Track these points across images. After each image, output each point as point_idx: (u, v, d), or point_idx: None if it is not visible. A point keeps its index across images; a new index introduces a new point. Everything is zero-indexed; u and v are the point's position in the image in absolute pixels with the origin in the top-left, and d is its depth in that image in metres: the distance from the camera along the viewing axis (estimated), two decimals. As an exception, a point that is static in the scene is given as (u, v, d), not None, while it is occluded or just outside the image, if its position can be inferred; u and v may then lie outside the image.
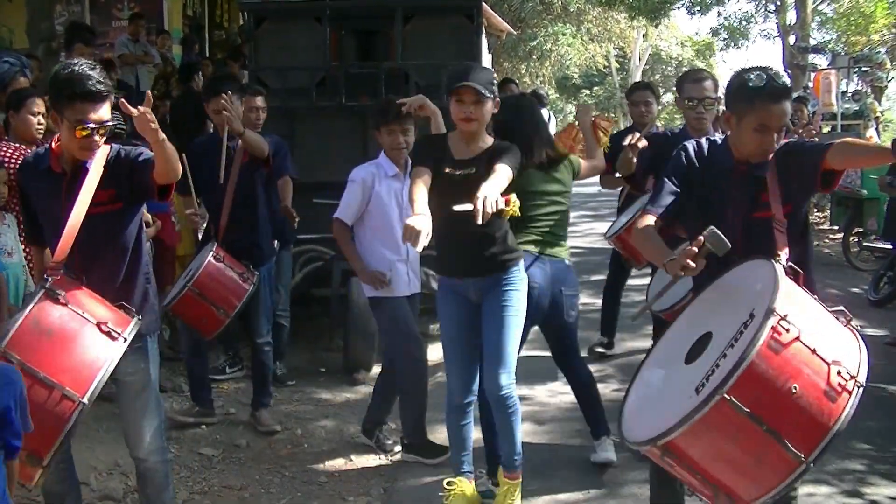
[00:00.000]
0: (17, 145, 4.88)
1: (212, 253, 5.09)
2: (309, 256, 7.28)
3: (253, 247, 5.42)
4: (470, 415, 4.27)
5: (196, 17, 14.91)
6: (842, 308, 2.84)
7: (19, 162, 4.81)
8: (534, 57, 27.51)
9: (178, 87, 10.80)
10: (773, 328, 2.51)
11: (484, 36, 8.14)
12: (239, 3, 9.01)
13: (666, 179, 3.32)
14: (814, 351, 2.56)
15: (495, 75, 4.19)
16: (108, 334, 3.10)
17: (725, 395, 2.46)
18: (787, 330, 2.53)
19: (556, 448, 5.12)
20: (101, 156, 3.38)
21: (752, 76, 3.08)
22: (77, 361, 3.04)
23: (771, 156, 3.14)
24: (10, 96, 5.27)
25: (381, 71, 7.38)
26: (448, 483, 4.25)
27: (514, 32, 21.95)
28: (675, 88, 5.04)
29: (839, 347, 2.64)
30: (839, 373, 2.55)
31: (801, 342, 2.55)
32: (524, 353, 4.45)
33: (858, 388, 2.56)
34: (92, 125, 3.25)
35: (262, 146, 5.35)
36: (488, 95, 3.87)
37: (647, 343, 6.69)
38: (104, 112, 3.30)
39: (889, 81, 18.53)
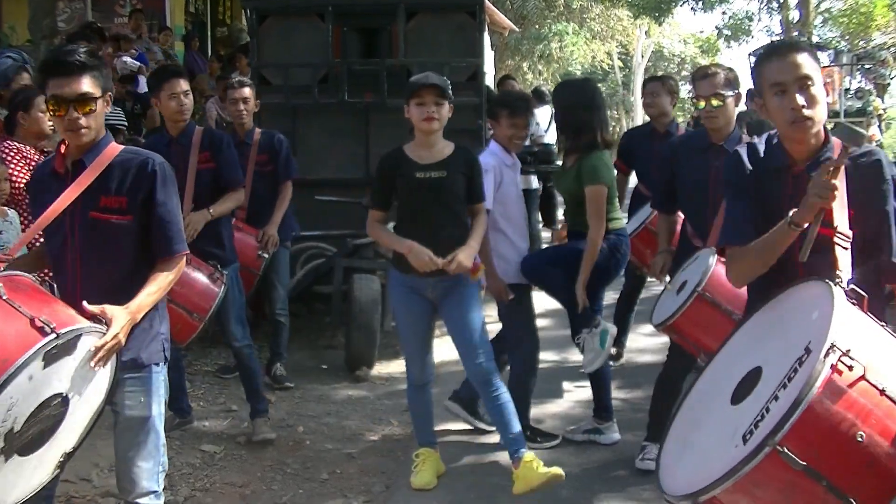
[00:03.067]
0: (20, 147, 4.89)
1: None
2: (311, 253, 7.28)
3: (216, 250, 5.04)
4: (428, 392, 4.66)
5: (198, 14, 14.92)
6: None
7: (21, 159, 4.86)
8: (536, 54, 27.48)
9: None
10: (832, 366, 2.14)
11: (486, 33, 8.13)
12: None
13: (733, 201, 2.96)
14: (882, 391, 2.17)
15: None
16: (40, 329, 2.61)
17: (778, 447, 2.11)
18: (851, 368, 2.15)
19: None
20: (106, 152, 3.08)
21: (756, 51, 2.93)
22: None
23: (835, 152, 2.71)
24: (18, 96, 5.28)
25: (384, 68, 7.38)
26: (416, 454, 4.62)
27: (517, 30, 21.94)
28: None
29: None
30: None
31: (868, 381, 2.17)
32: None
33: None
34: (65, 98, 2.94)
35: (237, 204, 5.31)
36: (448, 96, 4.19)
37: (655, 347, 6.72)
38: (84, 85, 2.96)
39: (892, 79, 18.49)
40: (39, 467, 2.78)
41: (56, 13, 9.61)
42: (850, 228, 2.62)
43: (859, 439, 2.13)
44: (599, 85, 32.26)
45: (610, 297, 8.07)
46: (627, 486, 4.56)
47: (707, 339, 3.96)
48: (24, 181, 4.67)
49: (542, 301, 5.79)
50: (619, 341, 6.73)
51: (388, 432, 5.53)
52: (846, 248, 2.58)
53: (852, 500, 2.13)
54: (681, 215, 4.85)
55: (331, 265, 7.03)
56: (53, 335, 2.62)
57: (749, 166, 2.90)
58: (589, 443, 5.07)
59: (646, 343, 6.96)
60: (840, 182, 2.55)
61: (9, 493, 2.70)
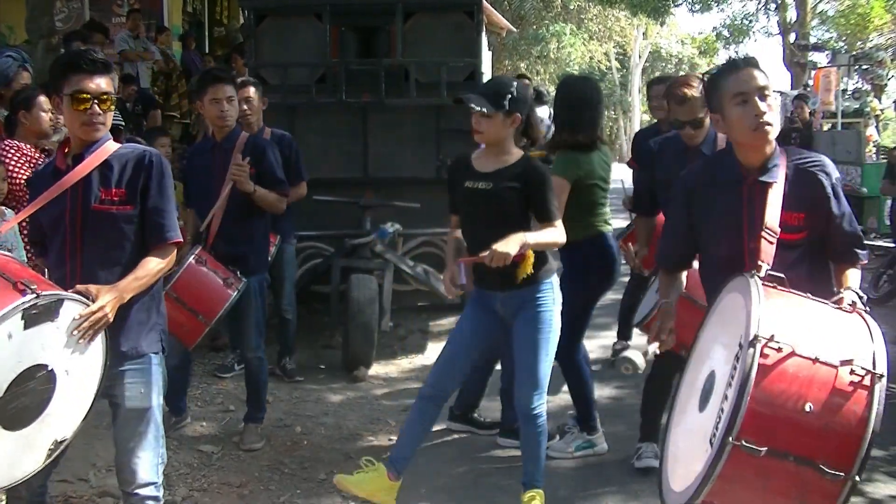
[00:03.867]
0: (20, 146, 4.92)
1: (193, 255, 4.72)
2: (309, 253, 7.28)
3: (249, 253, 5.06)
4: (432, 412, 4.24)
5: (196, 14, 14.92)
6: (849, 291, 2.74)
7: (21, 157, 4.88)
8: (534, 55, 27.52)
9: (183, 85, 10.84)
10: (762, 353, 2.34)
11: (484, 33, 8.13)
12: (239, -1, 9.01)
13: (668, 230, 3.36)
14: (815, 360, 2.36)
15: (525, 83, 4.23)
16: (22, 291, 2.69)
17: (735, 442, 2.28)
18: (779, 349, 2.36)
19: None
20: (106, 147, 3.18)
21: (716, 68, 3.12)
22: None
23: (777, 154, 3.01)
24: (20, 96, 5.30)
25: (382, 68, 7.37)
26: (367, 461, 4.26)
27: (515, 30, 21.96)
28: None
29: (846, 344, 2.44)
30: (852, 371, 2.35)
31: (799, 356, 2.36)
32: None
33: (879, 379, 2.35)
34: (90, 94, 3.08)
35: (277, 205, 5.19)
36: (486, 113, 3.89)
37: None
38: (103, 83, 3.12)
39: (889, 80, 18.52)
40: (29, 451, 2.82)
41: (54, 13, 9.60)
42: (800, 229, 2.96)
43: (808, 409, 2.31)
44: (597, 85, 32.14)
45: (610, 296, 8.10)
46: (625, 485, 4.56)
47: (685, 335, 3.99)
48: (24, 178, 4.69)
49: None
50: (625, 336, 6.78)
51: (386, 432, 5.52)
52: (771, 242, 2.86)
53: (822, 466, 2.28)
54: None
55: (328, 265, 7.02)
56: (33, 295, 2.70)
57: (696, 186, 3.18)
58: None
59: (641, 342, 6.95)
60: (778, 189, 2.92)
61: (3, 472, 2.74)
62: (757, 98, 2.90)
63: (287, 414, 5.81)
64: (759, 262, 2.80)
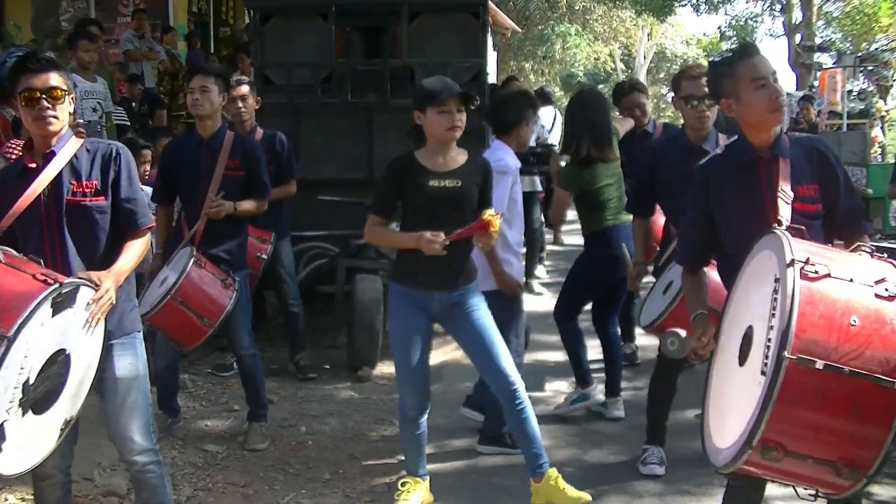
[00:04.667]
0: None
1: (193, 259, 4.70)
2: (313, 253, 7.28)
3: (229, 255, 5.01)
4: (423, 424, 4.31)
5: (201, 14, 14.93)
6: (862, 245, 2.86)
7: None
8: (539, 55, 27.50)
9: (187, 85, 10.81)
10: (801, 274, 2.43)
11: (489, 34, 8.13)
12: (245, -1, 9.02)
13: (688, 223, 3.40)
14: (851, 280, 2.48)
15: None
16: (44, 281, 2.89)
17: (791, 356, 2.33)
18: (816, 271, 2.46)
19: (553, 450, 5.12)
20: (72, 143, 3.32)
21: (717, 59, 3.25)
22: (4, 301, 2.80)
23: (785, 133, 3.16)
24: None
25: (387, 68, 7.38)
26: (402, 483, 4.33)
27: (520, 31, 21.96)
28: (671, 87, 4.92)
29: (875, 269, 2.56)
30: (887, 288, 2.46)
31: (835, 277, 2.47)
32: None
33: None
34: (37, 89, 3.18)
35: (257, 212, 5.21)
36: (474, 104, 4.06)
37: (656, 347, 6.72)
38: (51, 79, 3.21)
39: (895, 80, 18.47)
40: (46, 433, 2.97)
41: (59, 12, 9.62)
42: (817, 200, 3.09)
43: (853, 323, 2.39)
44: (601, 86, 32.22)
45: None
46: (627, 485, 4.55)
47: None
48: None
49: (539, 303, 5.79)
50: (629, 337, 6.78)
51: (391, 432, 5.52)
52: (787, 203, 2.97)
53: (878, 375, 2.34)
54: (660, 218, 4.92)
55: (333, 265, 7.03)
56: (57, 284, 2.89)
57: (711, 177, 3.26)
58: (588, 431, 5.06)
59: (647, 343, 6.94)
60: (783, 169, 3.05)
61: (25, 457, 2.88)
62: (772, 81, 3.06)
63: (292, 414, 5.81)
64: (779, 218, 2.89)
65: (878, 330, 2.39)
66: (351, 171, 7.48)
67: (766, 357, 2.43)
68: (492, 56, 9.10)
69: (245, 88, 5.99)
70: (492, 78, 8.66)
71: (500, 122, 4.99)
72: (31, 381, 2.80)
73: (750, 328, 2.67)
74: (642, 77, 36.85)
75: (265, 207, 5.30)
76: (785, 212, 2.95)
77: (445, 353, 7.05)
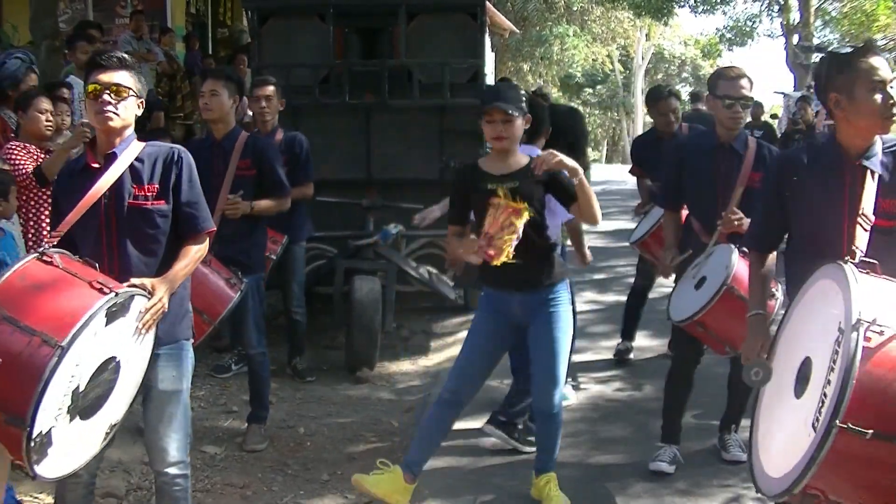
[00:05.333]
0: (27, 145, 5.01)
1: None
2: (312, 254, 7.28)
3: (243, 257, 5.03)
4: (449, 416, 4.29)
5: (199, 15, 14.92)
6: None
7: (24, 151, 4.93)
8: (537, 56, 27.51)
9: (187, 87, 10.84)
10: (865, 339, 2.36)
11: (487, 35, 8.13)
12: (243, 0, 9.01)
13: (762, 209, 3.33)
14: None
15: (522, 91, 4.29)
16: (100, 290, 2.89)
17: (842, 425, 2.30)
18: (881, 332, 2.37)
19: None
20: (134, 145, 3.33)
21: (839, 50, 3.04)
22: (60, 310, 2.82)
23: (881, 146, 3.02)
24: (18, 97, 5.34)
25: (385, 69, 7.38)
26: (381, 462, 4.30)
27: (518, 32, 21.95)
28: (707, 87, 4.93)
29: None
30: None
31: None
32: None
33: None
34: (101, 84, 3.21)
35: (277, 210, 5.23)
36: (516, 114, 3.97)
37: (658, 348, 6.74)
38: (118, 78, 3.25)
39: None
40: (92, 436, 2.98)
41: (57, 14, 9.60)
42: (894, 217, 2.97)
43: None
44: (600, 87, 32.29)
45: (613, 298, 8.10)
46: (627, 486, 4.55)
47: (729, 334, 4.14)
48: (30, 167, 4.78)
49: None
50: (630, 336, 6.79)
51: (389, 433, 5.53)
52: (866, 230, 2.86)
53: None
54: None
55: (332, 266, 7.03)
56: (112, 293, 2.89)
57: (794, 170, 3.14)
58: (593, 440, 5.07)
59: (647, 343, 6.96)
60: (870, 185, 2.91)
61: (68, 460, 2.90)
62: (890, 88, 2.92)
63: (290, 415, 5.81)
64: (854, 248, 2.80)
65: None
66: (349, 171, 7.48)
67: (819, 412, 2.40)
68: (490, 57, 9.08)
69: (271, 89, 5.99)
70: (490, 79, 8.65)
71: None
72: (81, 388, 2.81)
73: (808, 360, 2.63)
74: (640, 78, 36.91)
75: (287, 206, 5.31)
76: (861, 240, 2.85)
77: (445, 354, 7.06)
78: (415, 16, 7.56)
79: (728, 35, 28.36)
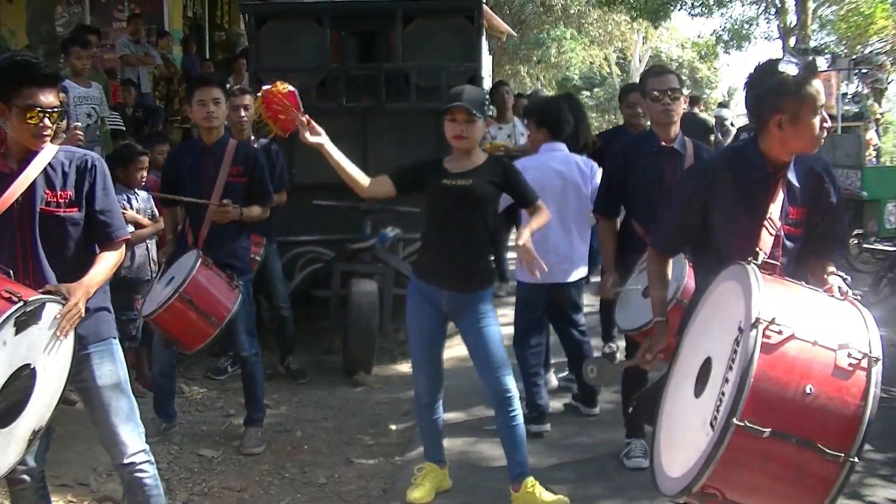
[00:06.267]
0: None
1: (200, 260, 4.76)
2: (309, 258, 7.28)
3: (232, 260, 5.06)
4: (439, 409, 4.48)
5: (196, 18, 14.92)
6: (834, 276, 2.81)
7: None
8: (534, 59, 27.53)
9: (184, 90, 10.83)
10: (764, 336, 2.37)
11: (484, 38, 8.14)
12: (240, 4, 9.01)
13: (675, 211, 3.29)
14: (815, 343, 2.40)
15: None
16: (8, 299, 2.82)
17: (739, 423, 2.31)
18: (780, 332, 2.39)
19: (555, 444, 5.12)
20: (48, 150, 3.26)
21: (786, 68, 2.95)
22: None
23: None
24: None
25: (382, 72, 7.38)
26: (419, 468, 4.51)
27: (515, 34, 21.98)
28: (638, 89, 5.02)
29: (842, 329, 2.48)
30: (850, 354, 2.39)
31: (799, 339, 2.40)
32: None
33: (875, 362, 2.39)
34: (42, 108, 3.15)
35: (261, 217, 5.27)
36: (478, 115, 4.12)
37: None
38: (52, 97, 3.20)
39: (889, 83, 18.51)
40: (13, 443, 2.94)
41: (54, 18, 9.61)
42: (801, 224, 3.02)
43: (808, 391, 2.34)
44: (597, 90, 32.33)
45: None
46: (625, 490, 4.55)
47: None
48: None
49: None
50: (610, 337, 6.74)
51: (386, 437, 5.53)
52: (771, 234, 2.92)
53: (822, 447, 2.32)
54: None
55: (329, 269, 7.03)
56: (21, 302, 2.84)
57: (717, 175, 3.12)
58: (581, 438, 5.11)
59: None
60: (779, 194, 2.97)
61: None
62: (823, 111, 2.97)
63: (287, 418, 5.81)
64: (757, 250, 2.83)
65: (832, 400, 2.36)
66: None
67: (717, 410, 2.41)
68: (487, 60, 9.08)
69: (248, 98, 6.02)
70: (487, 82, 8.66)
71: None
72: None
73: (709, 360, 2.64)
74: (637, 81, 36.87)
75: (267, 214, 5.35)
76: (766, 243, 2.91)
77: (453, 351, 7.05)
78: (412, 19, 7.56)
79: (725, 38, 28.37)
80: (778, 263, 2.78)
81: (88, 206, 3.31)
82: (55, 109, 3.22)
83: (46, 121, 3.18)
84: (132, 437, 3.41)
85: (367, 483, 4.83)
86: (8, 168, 3.24)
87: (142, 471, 3.45)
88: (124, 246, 3.46)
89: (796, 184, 3.02)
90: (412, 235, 7.16)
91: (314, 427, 5.67)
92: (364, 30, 7.89)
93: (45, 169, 3.25)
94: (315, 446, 5.36)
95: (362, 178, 4.16)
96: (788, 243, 3.00)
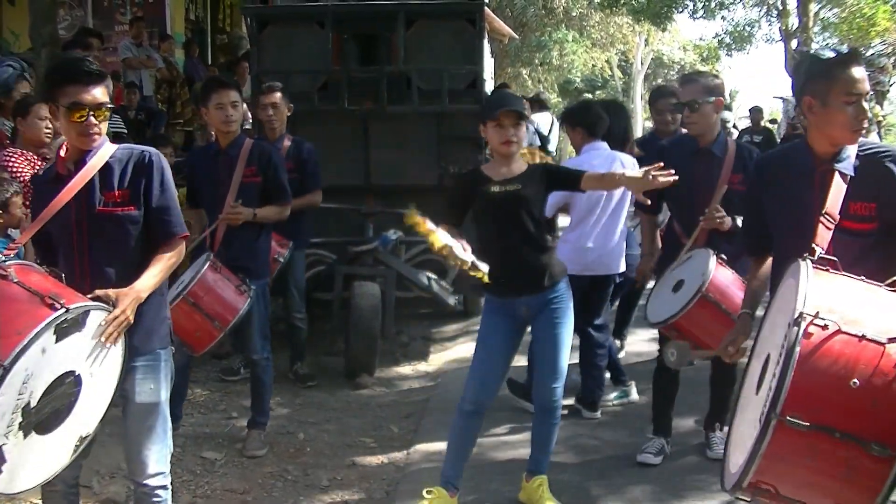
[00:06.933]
0: (24, 152, 4.99)
1: (209, 263, 4.74)
2: (311, 260, 7.28)
3: (248, 262, 5.03)
4: (474, 426, 4.30)
5: (199, 21, 14.94)
6: None
7: (22, 158, 4.92)
8: (536, 62, 27.51)
9: (186, 93, 10.87)
10: (805, 331, 2.35)
11: (486, 40, 8.14)
12: (242, 7, 9.03)
13: (746, 213, 3.38)
14: (862, 337, 2.35)
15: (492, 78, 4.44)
16: (50, 306, 2.81)
17: (780, 418, 2.29)
18: (824, 327, 2.36)
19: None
20: (105, 149, 3.24)
21: (821, 52, 2.96)
22: (5, 328, 2.76)
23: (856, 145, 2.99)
24: (17, 104, 5.34)
25: (383, 75, 7.39)
26: (427, 491, 4.26)
27: (517, 37, 21.97)
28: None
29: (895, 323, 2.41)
30: None
31: (845, 333, 2.36)
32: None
33: None
34: (86, 105, 3.14)
35: (279, 217, 5.22)
36: (527, 118, 4.15)
37: (652, 351, 6.74)
38: (99, 94, 3.17)
39: (891, 85, 18.52)
40: (58, 450, 2.94)
41: (57, 20, 9.63)
42: (871, 219, 2.95)
43: (853, 385, 2.29)
44: (599, 92, 32.35)
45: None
46: (627, 492, 4.55)
47: (706, 338, 4.16)
48: (28, 175, 4.77)
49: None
50: (621, 333, 6.86)
51: (389, 438, 5.53)
52: (829, 229, 2.88)
53: (870, 442, 2.27)
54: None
55: (331, 272, 7.04)
56: (63, 309, 2.81)
57: (770, 173, 3.17)
58: (584, 440, 5.10)
59: (641, 347, 6.95)
60: (836, 186, 2.91)
61: (31, 474, 2.87)
62: (864, 100, 2.91)
63: (290, 421, 5.81)
64: (814, 245, 2.81)
65: (880, 395, 2.30)
66: (348, 178, 7.48)
67: (765, 405, 2.40)
68: (489, 62, 9.09)
69: (278, 95, 6.01)
70: (489, 85, 8.66)
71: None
72: (33, 404, 2.77)
73: (769, 357, 2.63)
74: (639, 83, 36.90)
75: (287, 214, 5.29)
76: (823, 238, 2.86)
77: (444, 360, 7.07)
78: (413, 22, 7.57)
79: (727, 40, 28.38)
80: (836, 259, 2.69)
81: (146, 204, 3.26)
82: (103, 107, 3.19)
83: (92, 118, 3.15)
84: (156, 458, 3.37)
85: (369, 485, 4.83)
86: (66, 169, 3.24)
87: (156, 496, 3.40)
88: (183, 244, 3.39)
89: (853, 174, 2.95)
90: (414, 238, 7.17)
91: (317, 429, 5.67)
92: (366, 33, 7.90)
93: (102, 168, 3.22)
94: (317, 448, 5.36)
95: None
96: (849, 238, 2.92)
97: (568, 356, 4.29)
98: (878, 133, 16.77)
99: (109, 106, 3.24)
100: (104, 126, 3.23)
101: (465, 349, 6.93)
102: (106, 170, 3.23)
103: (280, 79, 7.44)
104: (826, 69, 2.90)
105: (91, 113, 3.15)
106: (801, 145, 3.08)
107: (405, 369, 7.05)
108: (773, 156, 3.33)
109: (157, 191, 3.27)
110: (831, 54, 2.91)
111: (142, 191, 3.25)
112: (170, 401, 5.19)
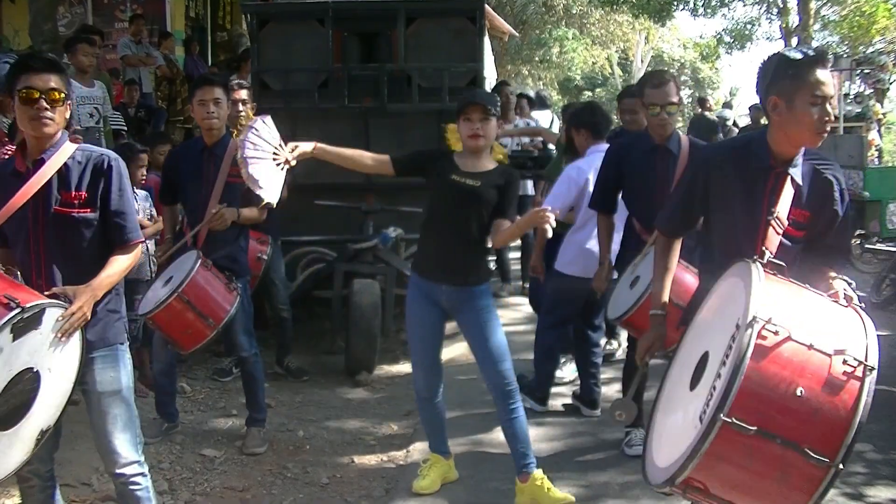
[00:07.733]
0: None
1: (200, 260, 4.74)
2: (311, 258, 7.29)
3: (232, 259, 5.05)
4: (439, 405, 4.54)
5: (199, 19, 14.92)
6: (838, 280, 2.78)
7: None
8: (536, 59, 27.53)
9: (186, 90, 10.83)
10: (758, 335, 2.35)
11: (486, 38, 8.14)
12: (242, 5, 9.02)
13: (678, 195, 3.31)
14: (810, 346, 2.38)
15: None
16: (6, 305, 2.82)
17: (726, 419, 2.30)
18: (776, 332, 2.37)
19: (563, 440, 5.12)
20: (64, 149, 3.25)
21: (789, 53, 2.96)
22: None
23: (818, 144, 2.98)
24: None
25: (384, 73, 7.38)
26: (425, 459, 4.62)
27: (517, 35, 21.99)
28: (636, 90, 5.06)
29: (840, 334, 2.46)
30: (845, 361, 2.36)
31: (794, 341, 2.38)
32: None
33: (870, 371, 2.36)
34: (37, 89, 3.11)
35: (258, 218, 5.20)
36: (493, 113, 4.17)
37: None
38: (53, 82, 3.15)
39: (891, 84, 18.50)
40: (18, 444, 2.96)
41: (57, 18, 9.62)
42: (803, 227, 2.99)
43: (798, 394, 2.32)
44: (599, 90, 32.43)
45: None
46: (629, 490, 4.56)
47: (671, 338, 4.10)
48: None
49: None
50: (614, 334, 6.88)
51: (389, 436, 5.54)
52: (778, 233, 2.93)
53: (807, 450, 2.31)
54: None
55: (331, 270, 7.04)
56: (19, 309, 2.84)
57: (718, 164, 3.12)
58: (583, 438, 5.09)
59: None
60: (787, 191, 2.95)
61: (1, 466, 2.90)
62: (827, 105, 2.91)
63: (290, 418, 5.82)
64: (763, 249, 2.85)
65: (823, 405, 2.33)
66: (348, 175, 7.40)
67: (707, 404, 2.41)
68: (489, 60, 9.09)
69: (245, 93, 6.01)
70: (489, 83, 8.66)
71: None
72: None
73: (706, 354, 2.63)
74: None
75: (265, 215, 5.30)
76: (772, 243, 2.91)
77: (444, 357, 7.05)
78: (413, 20, 7.56)
79: (727, 38, 28.37)
80: (784, 265, 2.75)
81: (103, 208, 3.28)
82: (55, 92, 3.16)
83: (43, 102, 3.14)
84: (126, 447, 3.37)
85: (369, 483, 4.83)
86: (24, 167, 3.25)
87: (134, 483, 3.41)
88: (138, 249, 3.43)
89: (800, 183, 2.99)
90: (414, 236, 7.16)
91: (316, 427, 5.67)
92: (366, 30, 7.89)
93: (60, 168, 3.23)
94: (317, 446, 5.37)
95: (364, 161, 4.34)
96: (787, 243, 2.97)
97: (503, 338, 4.32)
98: (878, 131, 16.76)
99: (66, 96, 3.22)
100: (59, 115, 3.21)
101: (464, 347, 6.92)
102: (64, 170, 3.24)
103: (281, 76, 7.47)
104: (794, 70, 2.90)
105: (42, 97, 3.13)
106: (761, 141, 3.04)
107: (405, 367, 7.04)
108: (731, 145, 3.30)
109: (115, 195, 3.29)
110: (799, 55, 2.91)
111: (100, 194, 3.27)
112: (162, 399, 5.28)
